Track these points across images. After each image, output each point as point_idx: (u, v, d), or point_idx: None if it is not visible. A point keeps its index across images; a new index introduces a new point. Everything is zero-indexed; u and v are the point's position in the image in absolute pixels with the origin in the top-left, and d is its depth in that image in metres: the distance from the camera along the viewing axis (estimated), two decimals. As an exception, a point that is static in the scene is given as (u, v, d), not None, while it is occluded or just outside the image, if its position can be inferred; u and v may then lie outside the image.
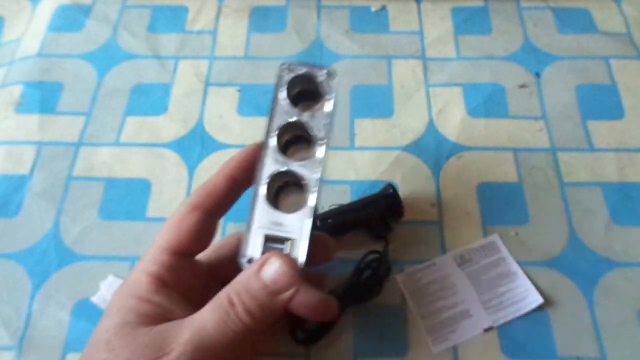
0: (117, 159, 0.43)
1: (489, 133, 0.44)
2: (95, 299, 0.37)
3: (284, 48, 0.49)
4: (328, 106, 0.30)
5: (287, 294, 0.26)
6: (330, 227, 0.38)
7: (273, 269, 0.26)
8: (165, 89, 0.47)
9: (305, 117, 0.29)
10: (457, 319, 0.36)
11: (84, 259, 0.38)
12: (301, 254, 0.27)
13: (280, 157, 0.29)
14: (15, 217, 0.40)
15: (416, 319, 0.36)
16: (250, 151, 0.30)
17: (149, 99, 0.47)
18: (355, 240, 0.38)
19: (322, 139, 0.29)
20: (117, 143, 0.44)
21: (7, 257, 0.39)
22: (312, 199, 0.28)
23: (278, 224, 0.28)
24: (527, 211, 0.40)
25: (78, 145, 0.44)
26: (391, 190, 0.39)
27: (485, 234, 0.39)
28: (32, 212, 0.41)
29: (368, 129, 0.45)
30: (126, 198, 0.41)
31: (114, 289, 0.36)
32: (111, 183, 0.42)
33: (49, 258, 0.38)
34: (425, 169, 0.42)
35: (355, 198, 0.41)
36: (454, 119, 0.45)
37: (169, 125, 0.45)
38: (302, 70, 0.30)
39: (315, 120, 0.29)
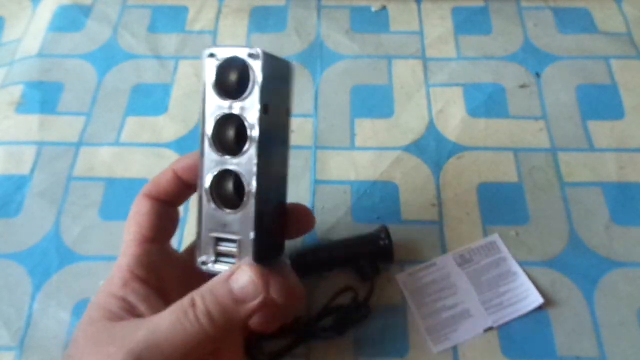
0: (118, 159, 0.43)
1: (489, 133, 0.44)
2: (95, 299, 0.37)
3: (284, 48, 0.49)
4: (255, 93, 0.26)
5: (252, 304, 0.26)
6: (314, 261, 0.37)
7: (243, 277, 0.26)
8: (166, 89, 0.47)
9: (236, 107, 0.27)
10: (457, 319, 0.36)
11: (85, 259, 0.38)
12: (250, 253, 0.27)
13: (216, 156, 0.27)
14: (16, 217, 0.40)
15: (416, 319, 0.36)
16: (196, 157, 0.29)
17: (149, 99, 0.47)
18: (338, 278, 0.37)
19: (253, 130, 0.26)
20: (117, 143, 0.44)
21: (7, 257, 0.39)
22: (251, 195, 0.27)
23: (224, 225, 0.27)
24: (527, 211, 0.40)
25: (78, 145, 0.44)
26: (383, 235, 0.37)
27: (486, 233, 0.39)
28: (32, 212, 0.41)
29: (368, 129, 0.45)
30: (126, 198, 0.41)
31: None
32: (111, 183, 0.42)
33: (49, 258, 0.38)
34: (425, 169, 0.42)
35: (355, 198, 0.41)
36: (454, 119, 0.45)
37: (169, 125, 0.45)
38: (225, 54, 0.26)
39: (246, 110, 0.26)
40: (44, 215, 0.40)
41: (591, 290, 0.37)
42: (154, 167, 0.43)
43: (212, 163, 0.27)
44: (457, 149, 0.43)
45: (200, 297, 0.26)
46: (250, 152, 0.26)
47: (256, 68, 0.26)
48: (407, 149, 0.44)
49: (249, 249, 0.27)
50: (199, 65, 0.49)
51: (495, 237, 0.39)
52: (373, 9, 0.52)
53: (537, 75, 0.48)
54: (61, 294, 0.37)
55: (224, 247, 0.28)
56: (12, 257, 0.39)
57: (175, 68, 0.48)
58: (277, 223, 0.30)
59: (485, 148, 0.43)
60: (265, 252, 0.28)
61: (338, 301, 0.36)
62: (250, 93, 0.26)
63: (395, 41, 0.50)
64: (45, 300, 0.37)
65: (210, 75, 0.27)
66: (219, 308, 0.25)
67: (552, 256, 0.38)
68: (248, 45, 0.50)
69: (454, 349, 0.35)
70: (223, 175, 0.28)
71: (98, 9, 0.52)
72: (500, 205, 0.41)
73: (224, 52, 0.27)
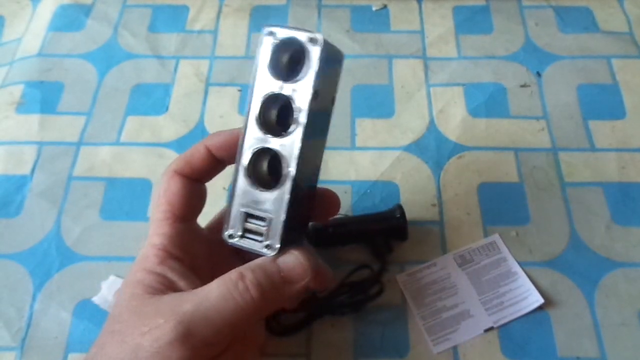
0: (118, 159, 0.43)
1: (489, 133, 0.44)
2: (96, 300, 0.37)
3: (285, 47, 0.49)
4: (309, 78, 0.26)
5: (299, 285, 0.27)
6: (330, 236, 0.37)
7: (291, 258, 0.27)
8: (166, 88, 0.47)
9: (287, 89, 0.26)
10: (458, 319, 0.36)
11: (85, 259, 0.38)
12: (278, 234, 0.27)
13: (261, 133, 0.27)
14: (17, 217, 0.40)
15: (416, 319, 0.36)
16: (235, 134, 0.29)
17: (150, 99, 0.47)
18: (352, 255, 0.38)
19: (301, 114, 0.26)
20: (117, 143, 0.44)
21: (8, 257, 0.39)
22: (290, 177, 0.27)
23: (257, 202, 0.27)
24: (527, 211, 0.40)
25: (78, 145, 0.44)
26: (398, 215, 0.38)
27: (486, 234, 0.39)
28: (33, 212, 0.41)
29: (368, 129, 0.45)
30: (127, 198, 0.41)
31: (115, 289, 0.37)
32: (112, 183, 0.42)
33: (50, 258, 0.38)
34: (425, 168, 0.42)
35: (355, 198, 0.41)
36: (454, 119, 0.45)
37: (170, 125, 0.45)
38: (285, 34, 0.26)
39: (297, 93, 0.26)
40: (44, 216, 0.40)
41: (592, 291, 0.37)
42: (154, 167, 0.43)
43: (254, 140, 0.27)
44: (457, 149, 0.43)
45: (250, 271, 0.26)
46: (295, 136, 0.27)
47: (314, 54, 0.26)
48: (407, 149, 0.43)
49: (278, 229, 0.27)
50: (199, 65, 0.49)
51: (495, 237, 0.39)
52: (374, 8, 0.52)
53: (538, 74, 0.47)
54: (62, 294, 0.37)
55: (252, 224, 0.28)
56: (13, 258, 0.39)
57: (176, 68, 0.48)
58: (306, 206, 0.30)
59: (486, 148, 0.43)
60: (292, 234, 0.28)
61: (350, 278, 0.36)
62: (304, 77, 0.26)
63: (396, 41, 0.50)
64: (46, 300, 0.37)
65: (265, 53, 0.27)
66: (269, 280, 0.26)
67: (553, 256, 0.38)
68: (249, 44, 0.50)
69: (454, 349, 0.35)
70: (260, 153, 0.28)
71: (98, 8, 0.52)
72: (501, 205, 0.41)
73: (284, 32, 0.26)
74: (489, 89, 0.46)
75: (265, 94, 0.27)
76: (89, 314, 0.36)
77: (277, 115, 0.28)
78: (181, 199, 0.29)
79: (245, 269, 0.26)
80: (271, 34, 0.27)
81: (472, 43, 0.49)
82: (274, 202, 0.27)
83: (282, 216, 0.27)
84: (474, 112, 0.45)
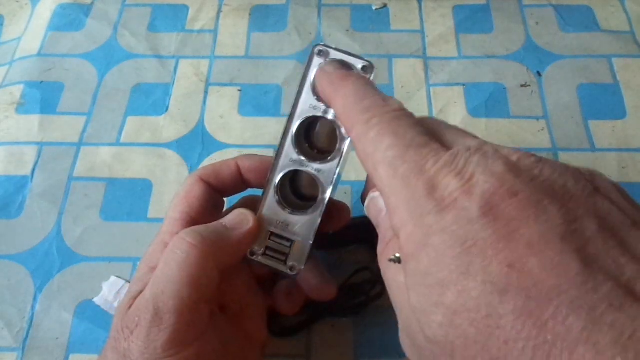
0: (118, 159, 0.43)
1: (490, 133, 0.44)
2: (97, 300, 0.37)
3: (285, 47, 0.49)
4: None
5: (242, 230, 0.27)
6: (330, 238, 0.37)
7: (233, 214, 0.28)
8: (166, 88, 0.47)
9: (332, 113, 0.26)
10: (458, 320, 0.36)
11: (86, 260, 0.39)
12: (305, 256, 0.27)
13: (296, 155, 0.27)
14: (17, 218, 0.41)
15: (416, 320, 0.36)
16: (266, 162, 0.29)
17: (150, 99, 0.47)
18: (353, 257, 0.38)
19: (345, 142, 0.26)
20: (117, 143, 0.44)
21: (9, 258, 0.39)
22: (323, 203, 0.27)
23: (285, 223, 0.28)
24: (527, 212, 0.40)
25: (79, 145, 0.44)
26: None
27: (486, 234, 0.39)
28: (33, 213, 0.41)
29: (369, 129, 0.45)
30: (127, 199, 0.41)
31: (116, 290, 0.37)
32: (112, 183, 0.42)
33: (51, 259, 0.39)
34: (426, 169, 0.42)
35: (355, 199, 0.41)
36: (454, 119, 0.45)
37: (170, 125, 0.45)
38: (337, 56, 0.26)
39: None
40: (45, 216, 0.40)
41: (591, 291, 0.37)
42: (155, 167, 0.43)
43: (289, 162, 0.27)
44: (457, 149, 0.43)
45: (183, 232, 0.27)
46: (335, 163, 0.26)
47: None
48: (407, 149, 0.43)
49: (305, 252, 0.27)
50: (199, 65, 0.49)
51: (495, 237, 0.39)
52: (374, 8, 0.52)
53: (539, 74, 0.47)
54: (63, 295, 0.37)
55: (275, 244, 0.28)
56: (14, 258, 0.39)
57: (176, 67, 0.48)
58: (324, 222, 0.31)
59: (486, 148, 0.43)
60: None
61: (351, 280, 0.36)
62: None
63: (396, 40, 0.50)
64: (47, 301, 0.37)
65: (313, 73, 0.26)
66: (209, 230, 0.27)
67: (553, 257, 0.38)
68: (249, 44, 0.49)
69: (454, 350, 0.35)
70: (293, 175, 0.28)
71: (98, 8, 0.52)
72: (501, 205, 0.41)
73: (337, 55, 0.26)
74: (489, 89, 0.46)
75: (307, 115, 0.26)
76: (90, 315, 0.36)
77: (324, 138, 0.27)
78: (202, 203, 0.29)
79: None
80: (321, 53, 0.26)
81: (472, 42, 0.49)
82: (304, 225, 0.27)
83: (311, 240, 0.27)
84: (474, 112, 0.45)
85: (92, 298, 0.37)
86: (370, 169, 0.21)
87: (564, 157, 0.43)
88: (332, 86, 0.24)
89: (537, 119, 0.45)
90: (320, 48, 0.26)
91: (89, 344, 0.35)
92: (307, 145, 0.28)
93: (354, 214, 0.40)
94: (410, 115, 0.21)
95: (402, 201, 0.18)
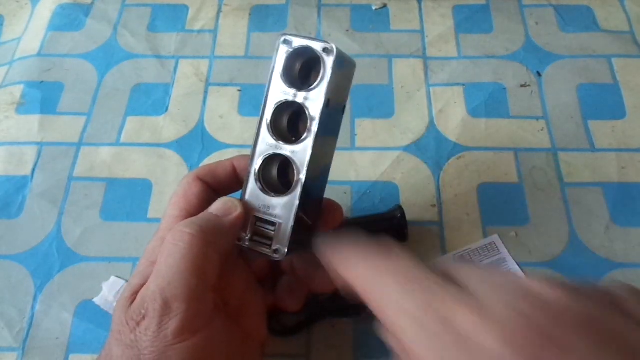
0: (118, 159, 0.43)
1: (489, 133, 0.44)
2: (97, 300, 0.37)
3: (285, 47, 0.49)
4: (322, 87, 0.27)
5: (232, 217, 0.28)
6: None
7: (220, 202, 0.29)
8: (166, 88, 0.47)
9: (300, 97, 0.27)
10: (457, 320, 0.36)
11: (86, 260, 0.39)
12: (287, 238, 0.28)
13: (272, 140, 0.28)
14: (17, 218, 0.41)
15: (416, 320, 0.36)
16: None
17: (150, 99, 0.47)
18: None
19: (314, 122, 0.27)
20: (117, 143, 0.44)
21: (10, 258, 0.39)
22: (300, 184, 0.28)
23: (267, 207, 0.28)
24: (527, 212, 0.40)
25: (79, 145, 0.44)
26: (399, 215, 0.38)
27: (485, 234, 0.39)
28: (34, 213, 0.41)
29: (368, 129, 0.45)
30: (127, 199, 0.41)
31: (116, 290, 0.37)
32: (112, 183, 0.42)
33: (51, 259, 0.39)
34: (425, 169, 0.42)
35: (356, 199, 0.41)
36: (454, 119, 0.45)
37: (170, 125, 0.45)
38: (299, 42, 0.27)
39: (309, 101, 0.27)
40: (45, 216, 0.40)
41: (591, 291, 0.37)
42: (155, 167, 0.43)
43: (266, 146, 0.28)
44: (457, 149, 0.43)
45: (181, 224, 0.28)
46: (307, 143, 0.27)
47: (328, 63, 0.27)
48: (407, 149, 0.43)
49: (287, 234, 0.28)
50: (199, 65, 0.49)
51: (495, 237, 0.39)
52: (374, 8, 0.52)
53: (539, 74, 0.47)
54: (63, 295, 0.37)
55: (261, 228, 0.28)
56: (14, 259, 0.39)
57: (176, 67, 0.48)
58: (314, 215, 0.31)
59: (486, 148, 0.43)
60: (299, 240, 0.29)
61: None
62: (317, 86, 0.27)
63: (396, 40, 0.50)
64: (47, 301, 0.37)
65: (280, 61, 0.28)
66: (204, 219, 0.28)
67: (552, 257, 0.38)
68: (249, 44, 0.49)
69: (454, 350, 0.35)
70: (271, 159, 0.28)
71: (98, 8, 0.52)
72: (501, 205, 0.41)
73: (299, 42, 0.27)
74: (489, 89, 0.46)
75: (278, 101, 0.28)
76: (90, 315, 0.36)
77: (288, 122, 0.29)
78: (199, 201, 0.30)
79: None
80: (286, 42, 0.28)
81: (472, 42, 0.49)
82: (283, 207, 0.28)
83: (291, 221, 0.28)
84: (473, 112, 0.45)
85: (92, 298, 0.37)
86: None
87: (564, 157, 0.43)
88: None
89: (537, 119, 0.45)
90: (285, 37, 0.28)
91: (89, 344, 0.35)
92: (281, 129, 0.29)
93: (354, 213, 0.40)
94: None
95: None
